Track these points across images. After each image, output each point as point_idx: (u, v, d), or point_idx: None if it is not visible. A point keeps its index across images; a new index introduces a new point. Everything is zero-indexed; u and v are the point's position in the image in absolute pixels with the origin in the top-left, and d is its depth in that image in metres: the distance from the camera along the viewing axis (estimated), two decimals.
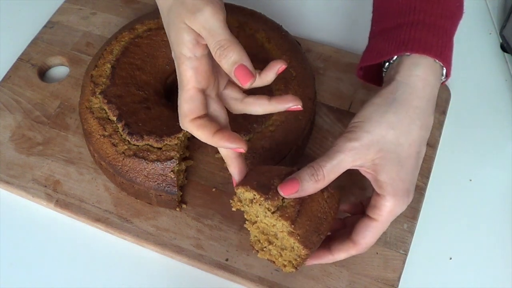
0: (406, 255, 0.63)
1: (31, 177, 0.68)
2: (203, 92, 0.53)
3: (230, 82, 0.56)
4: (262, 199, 0.53)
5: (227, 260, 0.63)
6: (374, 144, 0.52)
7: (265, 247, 0.58)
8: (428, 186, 0.68)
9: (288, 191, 0.52)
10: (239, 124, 0.63)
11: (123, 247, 0.65)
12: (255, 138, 0.65)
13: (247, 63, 0.49)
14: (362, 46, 0.61)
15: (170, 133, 0.64)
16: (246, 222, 0.58)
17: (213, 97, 0.55)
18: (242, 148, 0.53)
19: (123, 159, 0.64)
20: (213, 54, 0.50)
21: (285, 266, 0.57)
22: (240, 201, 0.56)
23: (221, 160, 0.67)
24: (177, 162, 0.63)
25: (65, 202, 0.67)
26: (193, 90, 0.52)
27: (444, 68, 0.56)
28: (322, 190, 0.54)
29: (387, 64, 0.58)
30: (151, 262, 0.64)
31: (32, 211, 0.68)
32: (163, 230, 0.65)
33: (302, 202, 0.53)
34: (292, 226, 0.52)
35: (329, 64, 0.77)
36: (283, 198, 0.53)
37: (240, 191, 0.55)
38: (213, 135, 0.52)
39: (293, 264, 0.56)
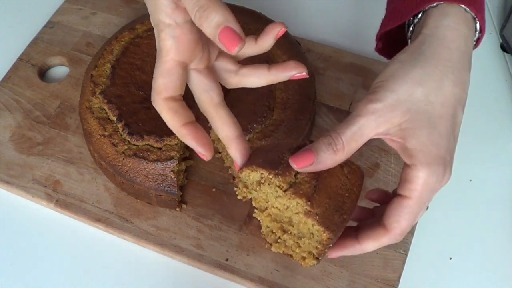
0: (406, 255, 0.63)
1: (31, 177, 0.68)
2: (184, 67, 0.46)
3: (223, 52, 0.49)
4: (271, 176, 0.45)
5: (227, 260, 0.63)
6: (401, 104, 0.45)
7: (279, 237, 0.50)
8: None
9: (302, 163, 0.45)
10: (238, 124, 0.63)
11: (123, 247, 0.65)
12: (255, 138, 0.65)
13: (233, 24, 0.42)
14: (362, 46, 0.61)
15: (170, 133, 0.64)
16: (255, 211, 0.51)
17: (202, 69, 0.48)
18: (205, 156, 0.47)
19: (123, 159, 0.64)
20: (192, 18, 0.43)
21: (304, 258, 0.49)
22: (246, 186, 0.49)
23: (221, 160, 0.67)
24: (177, 162, 0.63)
25: (65, 202, 0.67)
26: (172, 62, 0.45)
27: (478, 22, 0.49)
28: (341, 165, 0.47)
29: (411, 28, 0.51)
30: (151, 262, 0.64)
31: (32, 211, 0.68)
32: (163, 230, 0.65)
33: (318, 177, 0.46)
34: (309, 203, 0.45)
35: (329, 64, 0.77)
36: (296, 173, 0.46)
37: (245, 173, 0.48)
38: (182, 126, 0.46)
39: (313, 254, 0.48)
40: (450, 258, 0.65)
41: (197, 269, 0.63)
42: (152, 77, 0.69)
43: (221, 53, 0.49)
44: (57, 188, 0.68)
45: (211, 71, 0.49)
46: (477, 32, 0.51)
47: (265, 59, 0.69)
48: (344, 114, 0.73)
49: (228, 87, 0.50)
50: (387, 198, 0.50)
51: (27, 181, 0.68)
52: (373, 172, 0.68)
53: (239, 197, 0.51)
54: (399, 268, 0.62)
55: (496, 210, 0.68)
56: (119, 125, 0.65)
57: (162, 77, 0.46)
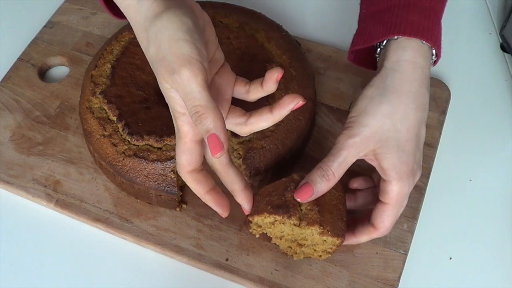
0: (406, 255, 0.63)
1: (31, 177, 0.68)
2: (201, 143, 0.53)
3: (230, 110, 0.56)
4: (284, 219, 0.55)
5: (227, 260, 0.63)
6: (373, 135, 0.54)
7: (298, 250, 0.60)
8: (428, 186, 0.68)
9: (305, 196, 0.55)
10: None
11: (123, 247, 0.65)
12: (255, 138, 0.65)
13: (220, 132, 0.48)
14: None
15: (170, 133, 0.64)
16: (273, 238, 0.60)
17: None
18: (223, 214, 0.56)
19: (123, 159, 0.64)
20: (190, 116, 0.49)
21: (320, 256, 0.59)
22: (260, 226, 0.58)
23: None
24: None
25: (65, 202, 0.67)
26: (191, 143, 0.52)
27: (434, 49, 0.57)
28: None
29: (379, 49, 0.59)
30: (151, 262, 0.64)
31: (32, 211, 0.68)
32: (163, 230, 0.65)
33: (317, 201, 0.56)
34: (321, 227, 0.54)
35: (329, 64, 0.77)
36: (300, 205, 0.55)
37: (257, 219, 0.57)
38: (206, 193, 0.54)
39: (327, 251, 0.58)
40: (450, 258, 0.65)
41: (197, 269, 0.64)
42: (153, 78, 0.70)
43: (229, 113, 0.55)
44: (57, 188, 0.68)
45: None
46: (434, 57, 0.58)
47: (265, 59, 0.69)
48: (344, 114, 0.72)
49: (243, 135, 0.57)
50: (368, 183, 0.63)
51: (27, 181, 0.68)
52: (371, 172, 0.68)
53: (257, 236, 0.59)
54: (399, 268, 0.62)
55: (496, 210, 0.68)
56: (119, 125, 0.65)
57: (184, 154, 0.53)
